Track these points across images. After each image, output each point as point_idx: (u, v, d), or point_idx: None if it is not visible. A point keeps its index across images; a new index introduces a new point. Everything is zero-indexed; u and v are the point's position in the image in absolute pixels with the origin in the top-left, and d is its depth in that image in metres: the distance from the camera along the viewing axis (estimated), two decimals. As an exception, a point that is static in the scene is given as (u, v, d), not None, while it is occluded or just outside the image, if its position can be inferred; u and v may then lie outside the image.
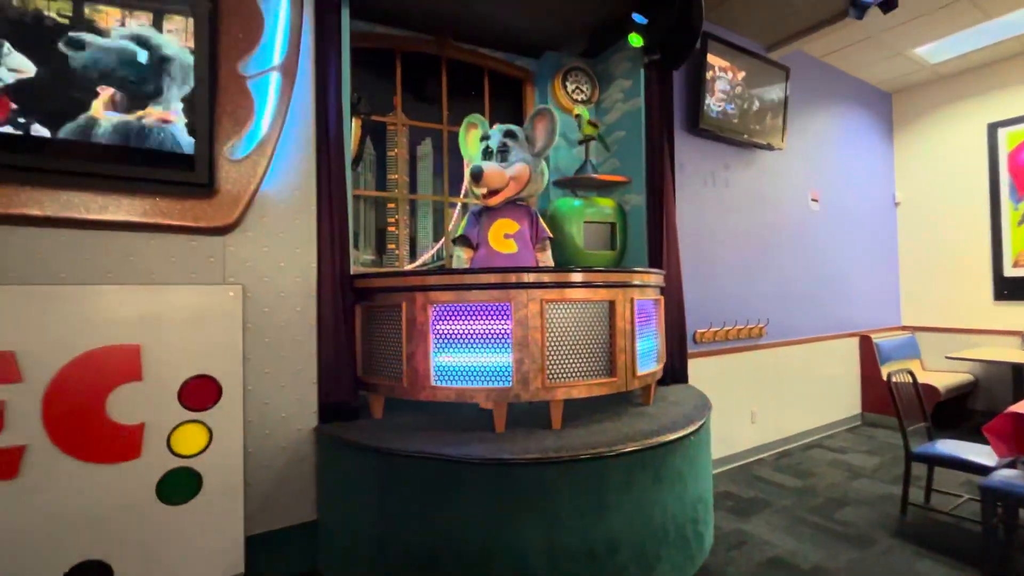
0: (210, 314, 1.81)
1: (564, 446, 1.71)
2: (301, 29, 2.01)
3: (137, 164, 1.70)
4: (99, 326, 1.64)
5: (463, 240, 2.41)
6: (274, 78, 1.94)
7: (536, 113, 2.42)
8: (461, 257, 2.42)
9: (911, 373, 2.76)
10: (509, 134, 2.40)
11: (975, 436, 2.34)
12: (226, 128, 1.86)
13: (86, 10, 1.64)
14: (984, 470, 2.28)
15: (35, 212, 1.58)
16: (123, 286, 1.70)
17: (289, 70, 1.97)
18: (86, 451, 1.60)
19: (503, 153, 2.37)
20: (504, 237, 2.38)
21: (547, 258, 2.55)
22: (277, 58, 1.95)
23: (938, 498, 2.74)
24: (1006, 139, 4.23)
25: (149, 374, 1.70)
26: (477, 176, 2.27)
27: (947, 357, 3.96)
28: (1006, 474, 2.11)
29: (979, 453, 2.42)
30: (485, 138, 2.42)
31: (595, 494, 1.69)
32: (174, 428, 1.73)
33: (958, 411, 4.22)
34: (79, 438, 1.60)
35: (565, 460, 1.66)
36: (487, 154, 2.39)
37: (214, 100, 1.83)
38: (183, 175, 1.76)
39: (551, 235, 2.58)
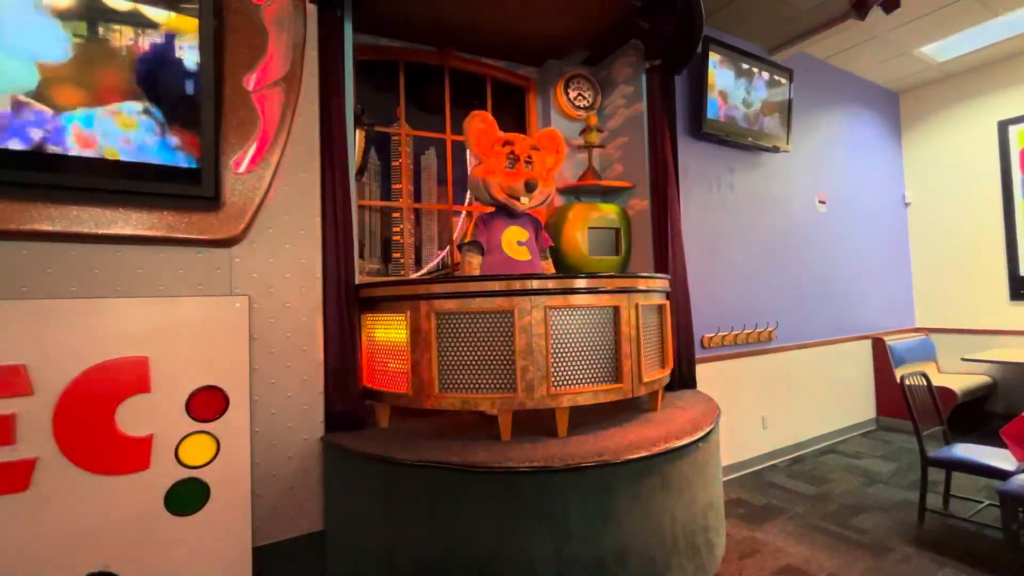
0: (217, 325, 1.83)
1: (570, 454, 1.70)
2: (305, 43, 2.04)
3: (145, 179, 1.73)
4: (108, 339, 1.66)
5: (475, 246, 2.41)
6: (278, 92, 1.97)
7: (548, 136, 2.54)
8: (470, 263, 2.41)
9: (925, 376, 2.71)
10: (534, 147, 2.46)
11: (994, 440, 2.29)
12: (232, 142, 1.89)
13: (100, 29, 1.68)
14: (1003, 475, 2.23)
15: (46, 227, 1.61)
16: (132, 299, 1.72)
17: (293, 83, 2.00)
18: (96, 463, 1.62)
19: (529, 163, 2.41)
20: (517, 244, 2.40)
21: (548, 266, 2.61)
22: (281, 72, 1.99)
23: (956, 504, 2.67)
24: (1017, 136, 4.17)
25: (157, 386, 1.72)
26: (532, 187, 2.34)
27: (963, 359, 3.88)
28: (1026, 478, 2.05)
29: (998, 457, 2.36)
30: (508, 142, 2.41)
31: (602, 502, 1.67)
32: (182, 439, 1.74)
33: (976, 414, 4.13)
34: (89, 450, 1.61)
35: (571, 468, 1.64)
36: (514, 162, 2.40)
37: (220, 114, 1.86)
38: (190, 189, 1.79)
39: (552, 244, 2.61)
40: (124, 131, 1.70)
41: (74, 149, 1.63)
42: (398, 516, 1.74)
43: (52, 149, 1.61)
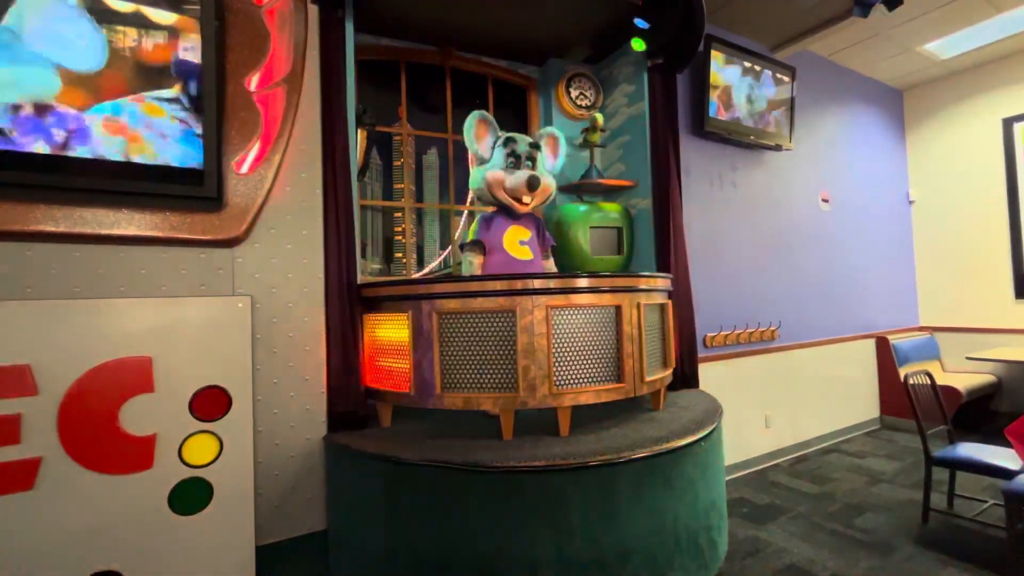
0: (220, 325, 1.83)
1: (572, 453, 1.70)
2: (306, 44, 2.05)
3: (148, 180, 1.74)
4: (112, 339, 1.67)
5: (477, 245, 2.38)
6: (280, 92, 1.98)
7: (548, 135, 2.50)
8: (472, 263, 2.39)
9: (929, 375, 2.70)
10: (535, 146, 2.43)
11: (999, 439, 2.28)
12: (234, 142, 1.90)
13: (104, 31, 1.69)
14: (1008, 474, 2.22)
15: (50, 228, 1.62)
16: (135, 299, 1.73)
17: (295, 84, 2.01)
18: (100, 462, 1.63)
19: (532, 162, 2.39)
20: (519, 244, 2.39)
21: (551, 265, 2.57)
22: (283, 72, 1.99)
23: (961, 503, 2.66)
24: (1022, 134, 4.15)
25: (161, 385, 1.72)
26: (535, 185, 2.29)
27: (968, 358, 3.86)
28: (1031, 478, 2.04)
29: (1002, 456, 2.35)
30: (509, 141, 2.39)
31: (604, 502, 1.67)
32: (185, 439, 1.75)
33: (981, 413, 4.11)
34: (93, 450, 1.62)
35: (573, 467, 1.64)
36: (516, 161, 2.38)
37: (222, 115, 1.87)
38: (193, 190, 1.80)
39: (555, 243, 2.60)
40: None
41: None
42: (400, 515, 1.74)
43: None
